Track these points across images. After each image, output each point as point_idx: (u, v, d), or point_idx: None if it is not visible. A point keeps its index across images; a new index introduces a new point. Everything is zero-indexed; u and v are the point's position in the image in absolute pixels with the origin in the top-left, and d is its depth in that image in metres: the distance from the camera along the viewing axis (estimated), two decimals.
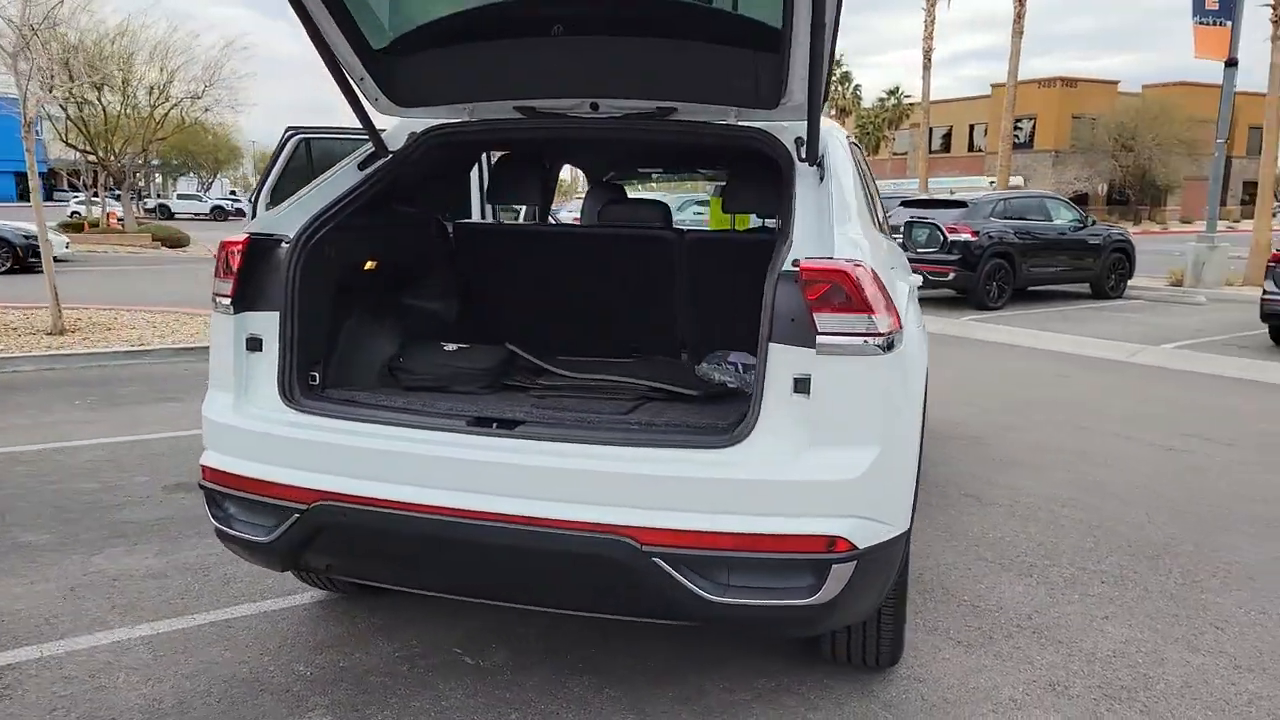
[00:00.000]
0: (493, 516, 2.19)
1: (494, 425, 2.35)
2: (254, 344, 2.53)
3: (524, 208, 5.92)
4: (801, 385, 2.17)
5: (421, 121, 2.94)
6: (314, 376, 2.63)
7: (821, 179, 2.54)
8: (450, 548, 2.28)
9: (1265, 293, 9.03)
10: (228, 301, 2.53)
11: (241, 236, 2.58)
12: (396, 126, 2.99)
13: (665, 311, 3.43)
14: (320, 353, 2.68)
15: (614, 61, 2.61)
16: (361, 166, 2.84)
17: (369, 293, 3.01)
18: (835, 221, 2.35)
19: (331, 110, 23.67)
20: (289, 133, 6.37)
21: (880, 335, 2.17)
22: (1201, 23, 14.47)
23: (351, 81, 2.72)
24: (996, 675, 2.83)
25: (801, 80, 2.38)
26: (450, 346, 3.05)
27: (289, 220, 2.63)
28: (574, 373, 3.05)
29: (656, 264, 3.31)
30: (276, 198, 5.62)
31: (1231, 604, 3.38)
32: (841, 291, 2.16)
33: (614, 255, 3.41)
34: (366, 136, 2.90)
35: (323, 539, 2.38)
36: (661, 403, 2.77)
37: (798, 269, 2.19)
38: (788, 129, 2.67)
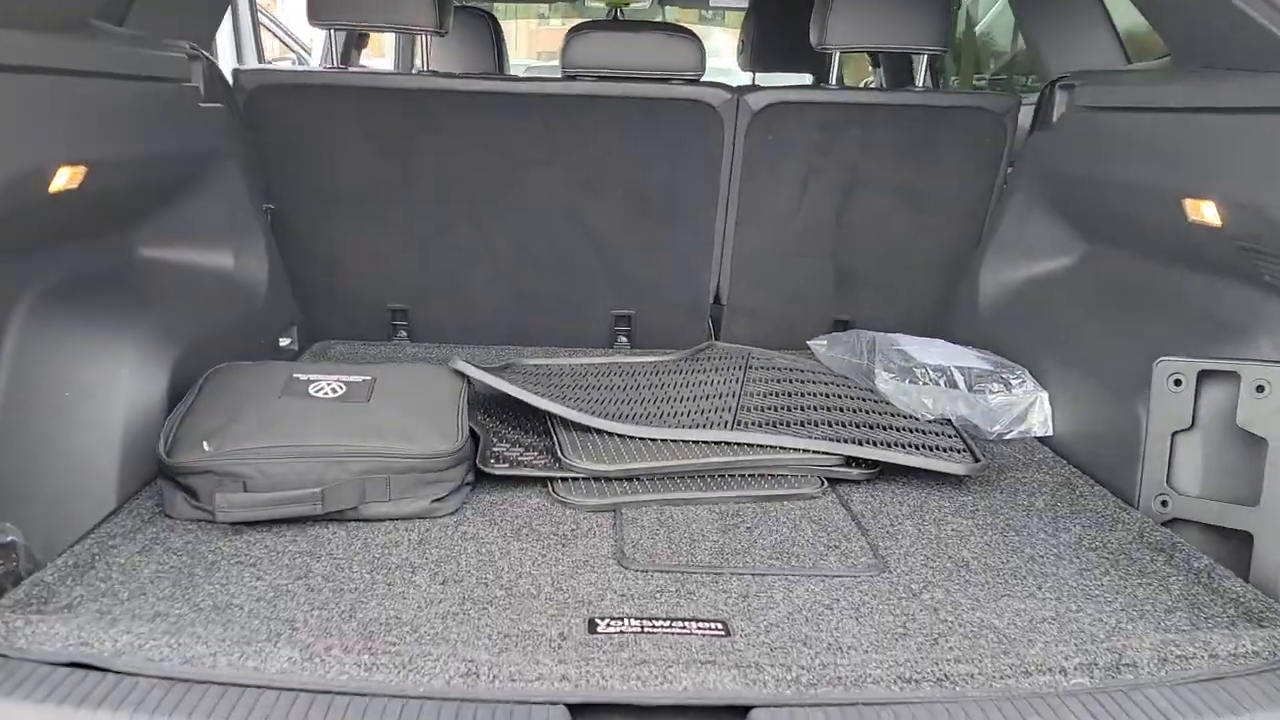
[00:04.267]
0: None
1: None
2: None
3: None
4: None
5: None
6: None
7: None
8: None
9: None
10: None
11: None
12: None
13: (702, 255, 2.52)
14: None
15: None
16: None
17: (61, 250, 1.65)
18: None
19: None
20: None
21: None
22: None
23: None
24: None
25: None
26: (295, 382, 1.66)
27: None
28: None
29: (690, 159, 2.40)
30: None
31: None
32: None
33: (600, 143, 2.39)
34: None
35: None
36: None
37: None
38: None
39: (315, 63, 4.35)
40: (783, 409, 1.96)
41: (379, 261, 2.55)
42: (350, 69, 2.43)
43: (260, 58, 4.28)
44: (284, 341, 2.43)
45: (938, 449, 1.81)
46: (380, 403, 1.65)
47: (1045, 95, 2.32)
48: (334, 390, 1.67)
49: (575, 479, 1.69)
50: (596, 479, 1.68)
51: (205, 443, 1.49)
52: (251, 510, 1.45)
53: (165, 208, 2.10)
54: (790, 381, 2.16)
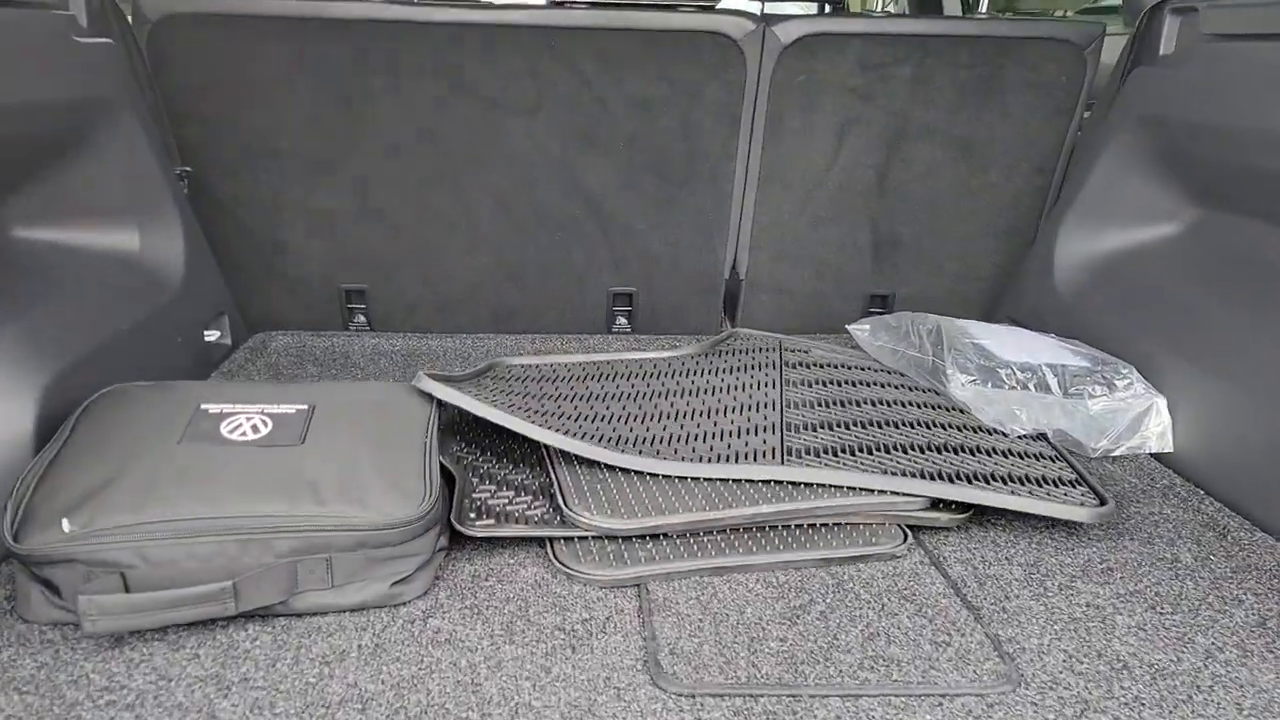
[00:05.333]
0: None
1: None
2: None
3: None
4: None
5: None
6: None
7: None
8: None
9: None
10: None
11: None
12: None
13: (717, 220, 2.11)
14: None
15: None
16: None
17: None
18: None
19: None
20: None
21: None
22: None
23: None
24: None
25: None
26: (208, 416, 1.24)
27: None
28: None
29: (704, 104, 1.97)
30: None
31: None
32: None
33: (596, 86, 1.95)
34: None
35: None
36: None
37: None
38: None
39: None
40: (839, 426, 1.55)
41: (328, 232, 2.09)
42: None
43: None
44: (211, 335, 1.98)
45: (1047, 482, 1.41)
46: (319, 444, 1.22)
47: (1148, 22, 1.88)
48: (255, 428, 1.23)
49: (583, 537, 1.27)
50: (611, 537, 1.27)
51: (66, 520, 1.05)
52: (131, 617, 1.02)
53: (39, 175, 1.63)
54: (840, 385, 1.75)
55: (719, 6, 1.97)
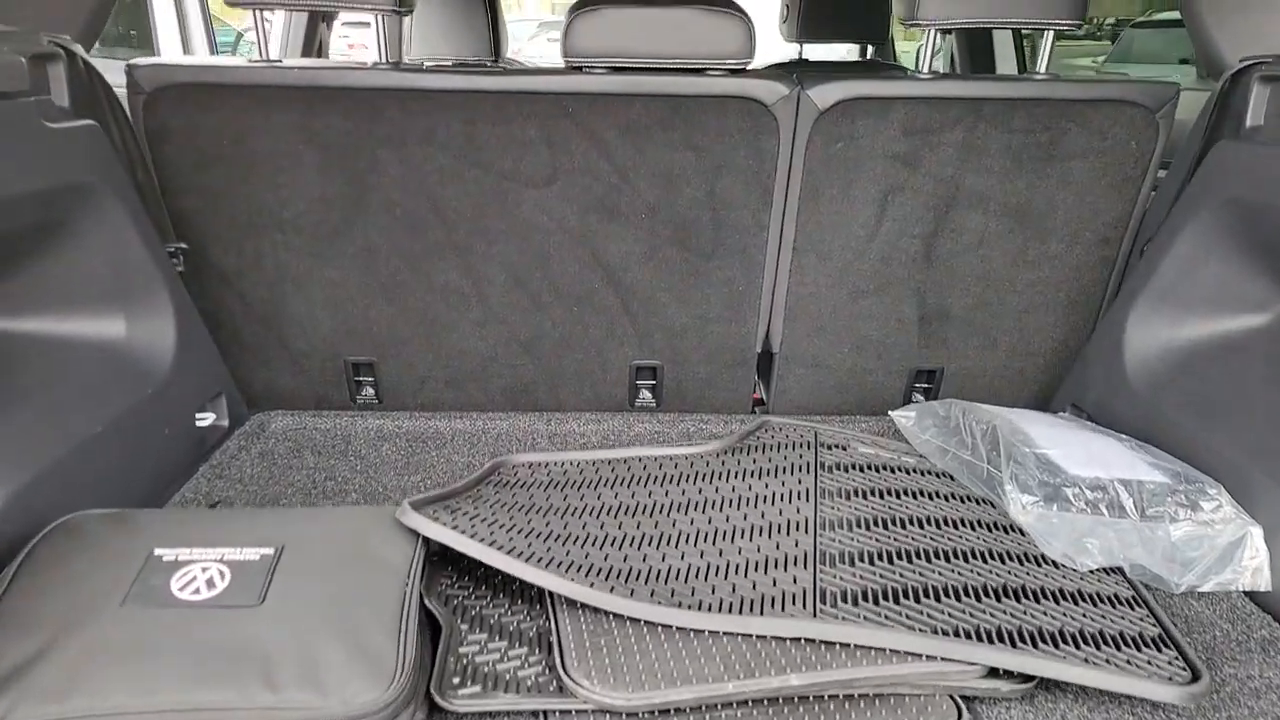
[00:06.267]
0: None
1: None
2: None
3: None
4: None
5: None
6: None
7: None
8: None
9: None
10: None
11: None
12: None
13: (749, 292, 1.95)
14: None
15: None
16: None
17: None
18: None
19: None
20: None
21: None
22: None
23: None
24: None
25: None
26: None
27: None
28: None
29: (734, 172, 1.81)
30: None
31: None
32: None
33: (617, 154, 1.80)
34: None
35: None
36: None
37: None
38: None
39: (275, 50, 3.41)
40: (881, 559, 1.36)
41: (334, 304, 1.96)
42: (288, 63, 1.80)
43: (213, 48, 3.61)
44: (205, 420, 1.86)
45: (1126, 641, 1.21)
46: (281, 603, 1.07)
47: (1231, 85, 1.67)
48: (211, 582, 1.09)
49: (583, 710, 1.11)
50: (614, 714, 1.10)
51: None
52: None
53: (12, 266, 1.52)
54: (883, 497, 1.56)
55: (750, 68, 1.81)
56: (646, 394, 2.11)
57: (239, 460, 1.83)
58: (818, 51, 3.16)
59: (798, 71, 1.86)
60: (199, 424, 1.83)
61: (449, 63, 3.33)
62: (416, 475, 1.79)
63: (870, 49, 3.42)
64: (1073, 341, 2.02)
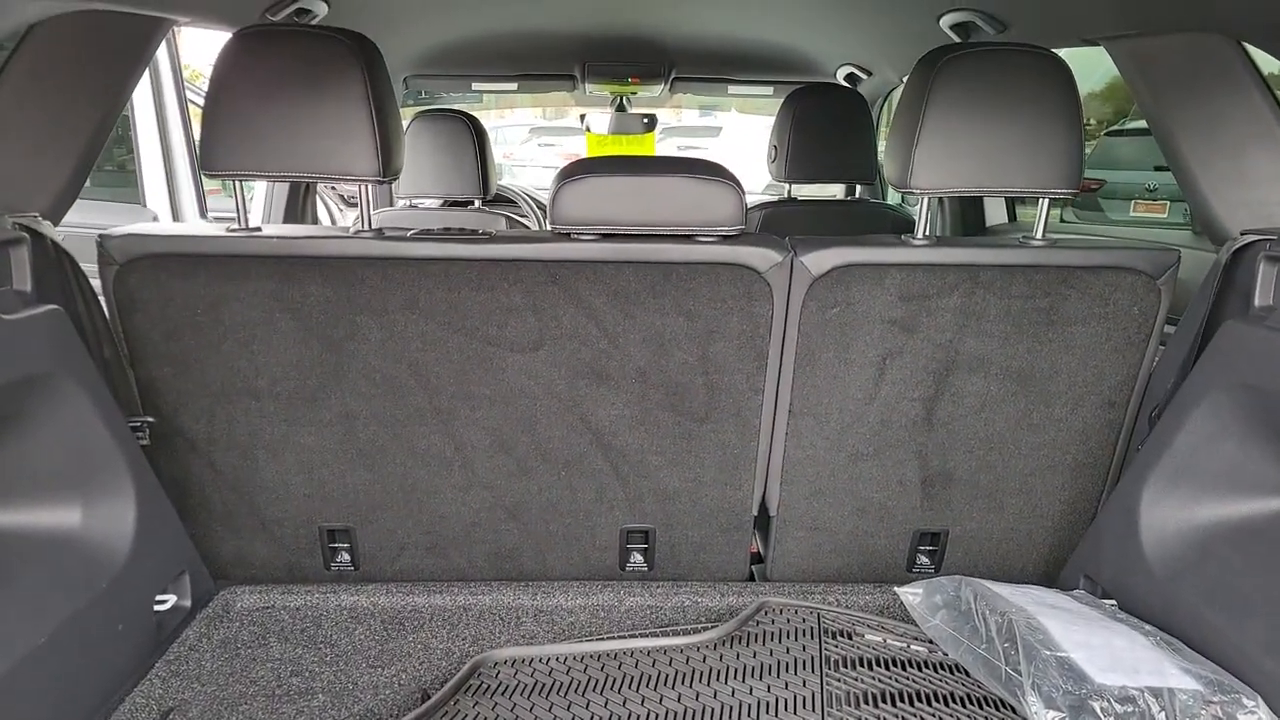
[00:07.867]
0: None
1: None
2: None
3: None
4: None
5: None
6: None
7: None
8: None
9: None
10: None
11: None
12: None
13: (744, 456, 1.87)
14: None
15: None
16: None
17: None
18: None
19: None
20: None
21: None
22: None
23: None
24: None
25: None
26: None
27: None
28: None
29: (726, 338, 1.76)
30: None
31: None
32: None
33: (605, 322, 1.74)
34: None
35: None
36: None
37: None
38: None
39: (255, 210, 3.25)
40: None
41: (309, 470, 1.86)
42: (265, 231, 1.75)
43: (203, 213, 3.58)
44: (165, 603, 1.73)
45: None
46: None
47: (1237, 261, 1.64)
48: None
49: None
50: None
51: None
52: None
53: None
54: (895, 704, 1.45)
55: (742, 236, 1.76)
56: (638, 558, 2.00)
57: (198, 652, 1.70)
58: (807, 190, 3.15)
59: (789, 236, 1.82)
60: (158, 608, 1.71)
61: (436, 204, 3.31)
62: (390, 668, 1.67)
63: (859, 188, 3.44)
64: (1081, 504, 1.94)
